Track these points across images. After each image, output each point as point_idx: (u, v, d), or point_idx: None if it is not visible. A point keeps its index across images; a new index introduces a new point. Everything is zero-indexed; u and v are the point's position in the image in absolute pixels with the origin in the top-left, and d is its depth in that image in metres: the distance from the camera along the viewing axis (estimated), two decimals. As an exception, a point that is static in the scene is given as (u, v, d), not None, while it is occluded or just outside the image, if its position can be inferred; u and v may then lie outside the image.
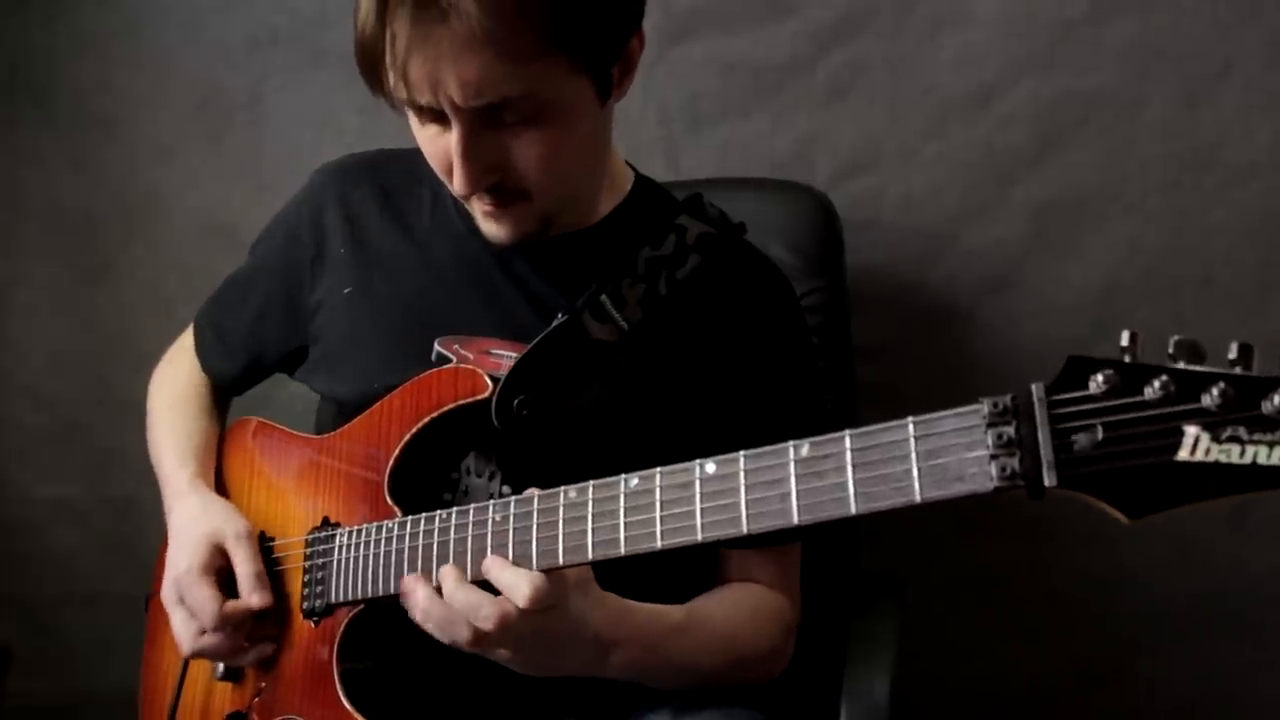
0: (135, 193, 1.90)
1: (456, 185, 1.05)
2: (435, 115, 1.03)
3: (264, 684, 1.15)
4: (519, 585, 0.92)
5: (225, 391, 1.39)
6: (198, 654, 1.15)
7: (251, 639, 1.14)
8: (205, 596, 1.12)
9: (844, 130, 1.65)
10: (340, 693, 1.06)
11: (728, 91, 1.68)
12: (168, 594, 1.16)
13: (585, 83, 1.04)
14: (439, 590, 0.97)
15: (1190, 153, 1.56)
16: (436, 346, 1.16)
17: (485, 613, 0.93)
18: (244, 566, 1.14)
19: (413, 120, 1.07)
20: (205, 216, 1.88)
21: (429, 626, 0.97)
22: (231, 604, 1.12)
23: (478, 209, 1.11)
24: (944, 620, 1.66)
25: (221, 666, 1.18)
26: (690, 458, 0.87)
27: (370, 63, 1.01)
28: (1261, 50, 1.52)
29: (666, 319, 1.13)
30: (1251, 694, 1.64)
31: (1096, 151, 1.59)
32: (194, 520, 1.19)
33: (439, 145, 1.05)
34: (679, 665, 1.09)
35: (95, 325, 1.94)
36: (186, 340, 1.41)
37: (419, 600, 0.97)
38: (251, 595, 1.12)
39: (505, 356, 1.12)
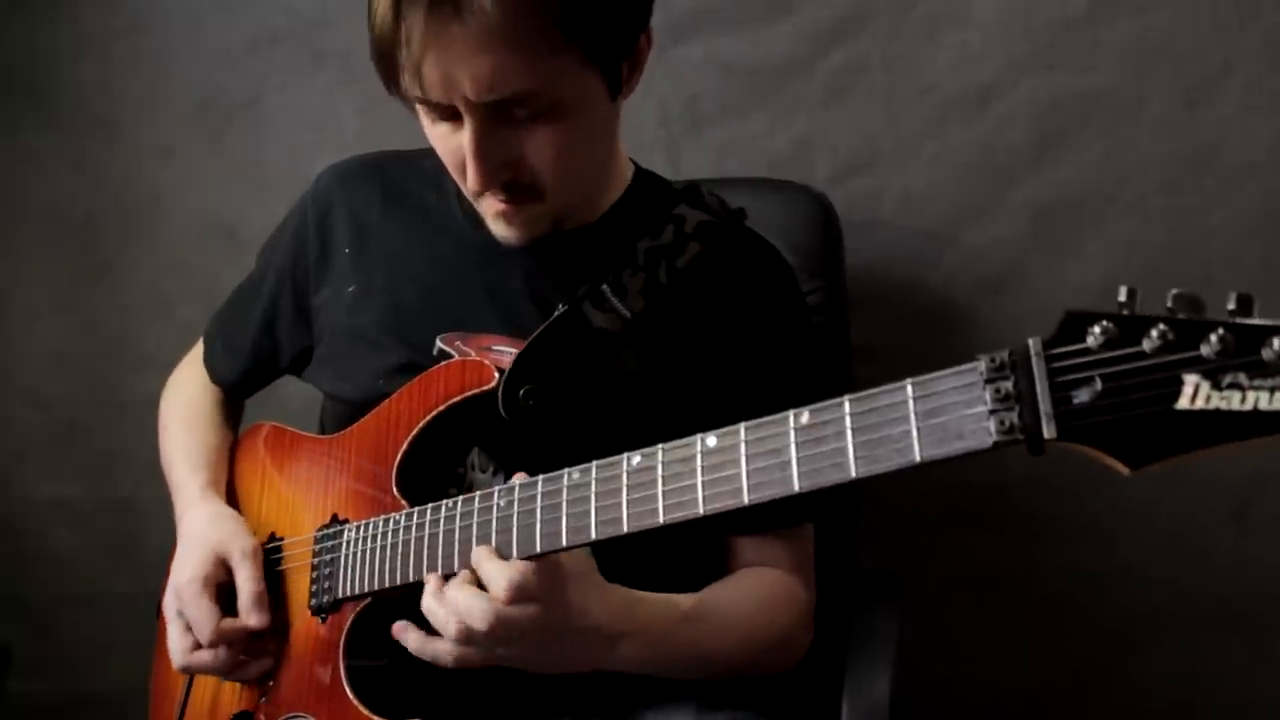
0: (135, 193, 1.90)
1: (470, 183, 1.05)
2: (448, 113, 1.03)
3: (271, 683, 1.16)
4: (497, 578, 0.92)
5: (234, 398, 1.40)
6: (188, 669, 1.15)
7: (250, 654, 1.13)
8: (204, 610, 1.12)
9: (843, 130, 1.65)
10: (347, 688, 1.06)
11: (727, 92, 1.68)
12: (168, 604, 1.16)
13: (597, 78, 1.04)
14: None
15: (1190, 153, 1.56)
16: (438, 343, 1.16)
17: (477, 612, 0.93)
18: (246, 586, 1.13)
19: (425, 119, 1.07)
20: (205, 217, 1.88)
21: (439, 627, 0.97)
22: (229, 622, 1.12)
23: (489, 209, 1.11)
24: (943, 620, 1.66)
25: None
26: None
27: (386, 61, 1.01)
28: (1261, 51, 1.52)
29: (669, 307, 1.13)
30: (1251, 693, 1.64)
31: (1096, 151, 1.59)
32: (202, 530, 1.19)
33: (451, 144, 1.05)
34: (692, 655, 1.08)
35: (95, 325, 1.94)
36: (196, 353, 1.42)
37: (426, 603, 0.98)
38: (250, 616, 1.12)
39: (506, 352, 1.13)
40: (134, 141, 1.89)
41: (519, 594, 0.92)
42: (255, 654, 1.14)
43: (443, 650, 0.97)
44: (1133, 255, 1.59)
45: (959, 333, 1.66)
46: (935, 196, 1.64)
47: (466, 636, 0.94)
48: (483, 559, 0.95)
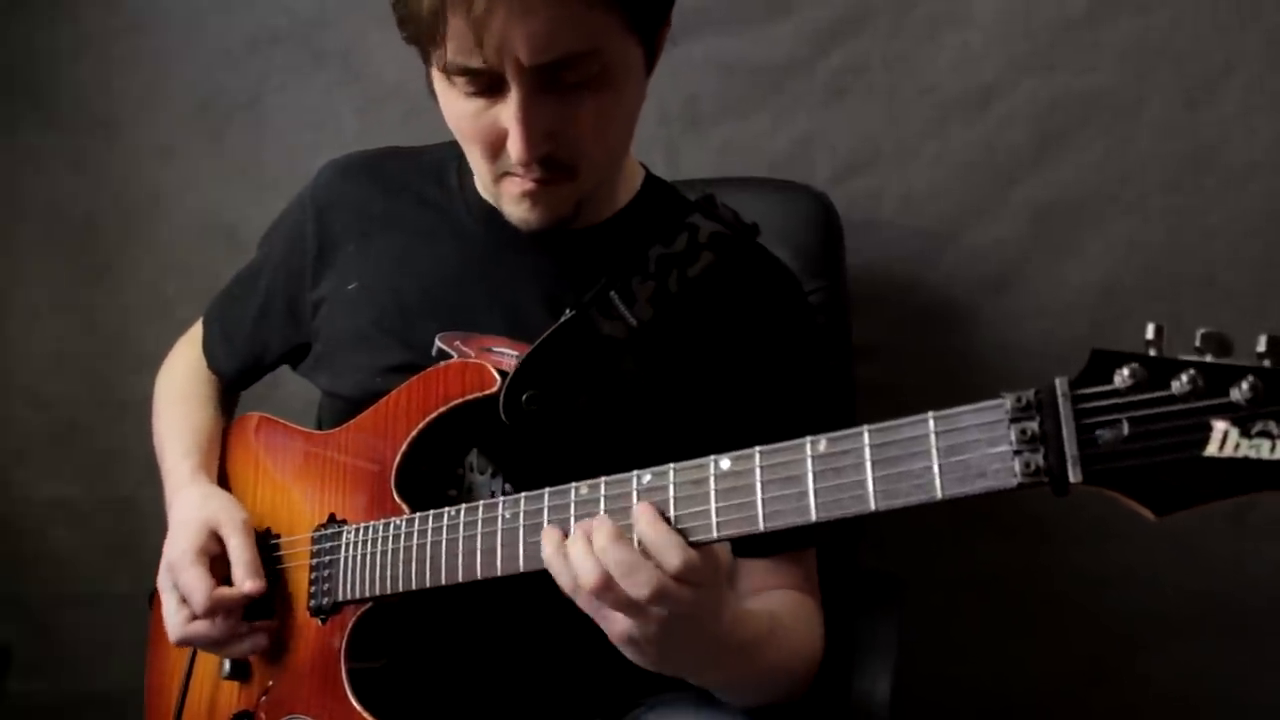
0: (135, 193, 1.90)
1: (513, 153, 1.01)
2: (488, 84, 0.99)
3: (271, 682, 1.15)
4: (670, 550, 0.83)
5: (230, 389, 1.40)
6: (186, 641, 1.14)
7: (246, 628, 1.13)
8: (196, 578, 1.11)
9: (843, 130, 1.65)
10: (348, 691, 1.06)
11: (727, 91, 1.68)
12: (161, 579, 1.16)
13: (638, 48, 1.03)
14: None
15: (1190, 153, 1.56)
16: (437, 343, 1.14)
17: (643, 575, 0.82)
18: (238, 553, 1.13)
19: (454, 97, 1.03)
20: (205, 217, 1.88)
21: (559, 577, 0.87)
22: (223, 590, 1.11)
23: (513, 190, 1.07)
24: (944, 620, 1.66)
25: (228, 665, 1.18)
26: (697, 456, 0.86)
27: (430, 27, 0.97)
28: (1261, 51, 1.52)
29: (677, 317, 1.12)
30: (1252, 694, 1.64)
31: (1096, 151, 1.59)
32: (194, 508, 1.18)
33: (484, 120, 1.02)
34: (762, 675, 1.03)
35: (95, 325, 1.94)
36: (196, 333, 1.41)
37: (549, 549, 0.88)
38: (245, 581, 1.11)
39: (506, 354, 1.11)
40: (134, 141, 1.89)
41: (689, 574, 0.83)
42: (252, 629, 1.13)
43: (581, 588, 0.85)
44: (1133, 255, 1.59)
45: (959, 332, 1.66)
46: (936, 196, 1.64)
47: (607, 590, 0.83)
48: (651, 522, 0.84)
